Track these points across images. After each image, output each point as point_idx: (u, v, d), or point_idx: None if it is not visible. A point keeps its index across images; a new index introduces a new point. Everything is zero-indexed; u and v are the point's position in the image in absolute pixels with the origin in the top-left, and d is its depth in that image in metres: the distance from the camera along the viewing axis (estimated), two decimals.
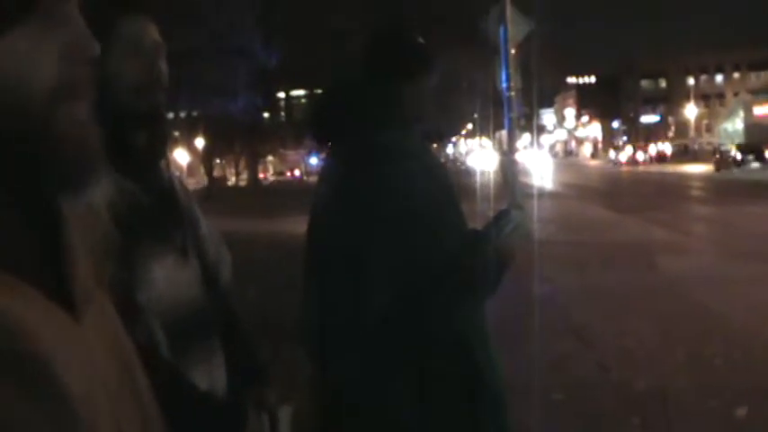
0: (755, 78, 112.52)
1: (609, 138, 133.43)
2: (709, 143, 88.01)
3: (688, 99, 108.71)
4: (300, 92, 51.55)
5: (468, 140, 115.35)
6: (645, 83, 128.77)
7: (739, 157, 53.37)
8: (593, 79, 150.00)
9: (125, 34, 1.75)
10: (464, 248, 2.20)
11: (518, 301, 8.31)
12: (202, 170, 58.38)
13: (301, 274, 2.33)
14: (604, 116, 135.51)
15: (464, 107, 48.14)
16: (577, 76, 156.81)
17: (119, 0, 1.79)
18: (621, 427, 5.38)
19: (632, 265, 12.40)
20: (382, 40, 2.39)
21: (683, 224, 18.89)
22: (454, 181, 2.50)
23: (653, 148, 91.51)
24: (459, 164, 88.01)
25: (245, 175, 67.23)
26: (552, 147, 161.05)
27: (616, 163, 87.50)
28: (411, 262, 2.10)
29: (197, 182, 60.18)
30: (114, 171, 1.67)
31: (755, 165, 51.47)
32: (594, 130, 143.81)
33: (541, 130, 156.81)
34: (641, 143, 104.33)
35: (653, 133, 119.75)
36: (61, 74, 0.71)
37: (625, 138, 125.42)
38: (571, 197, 33.50)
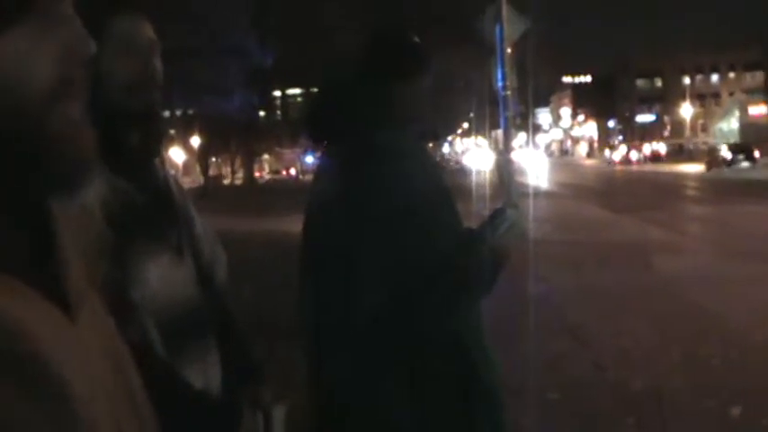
0: (751, 78, 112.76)
1: (605, 137, 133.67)
2: (704, 143, 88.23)
3: (684, 98, 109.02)
4: (296, 90, 51.59)
5: (464, 139, 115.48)
6: (641, 82, 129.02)
7: (729, 156, 54.13)
8: (588, 78, 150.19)
9: (119, 33, 1.75)
10: (459, 248, 2.20)
11: (513, 300, 8.31)
12: (198, 169, 58.34)
13: (297, 272, 2.33)
14: (600, 115, 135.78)
15: (460, 106, 48.23)
16: (573, 75, 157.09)
17: None
18: (617, 426, 5.38)
19: (628, 265, 12.41)
20: (378, 40, 2.39)
21: (677, 223, 18.92)
22: (449, 180, 2.50)
23: (647, 148, 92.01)
24: (453, 163, 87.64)
25: (240, 174, 67.27)
26: (548, 146, 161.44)
27: (610, 162, 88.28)
28: (403, 262, 2.10)
29: (192, 180, 60.18)
30: (108, 170, 1.66)
31: (745, 164, 52.34)
32: (590, 129, 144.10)
33: (537, 129, 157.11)
34: (636, 143, 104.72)
35: (648, 133, 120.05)
36: (58, 74, 0.71)
37: (621, 137, 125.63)
38: (566, 196, 33.57)
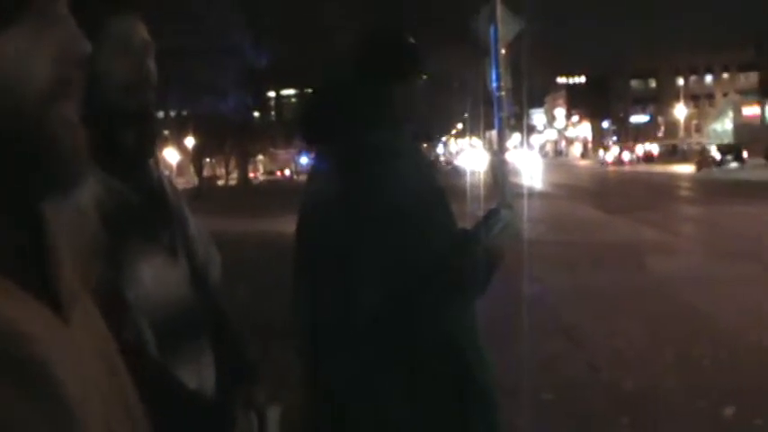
0: (745, 79, 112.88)
1: (599, 138, 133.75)
2: (698, 143, 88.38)
3: (678, 99, 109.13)
4: (291, 91, 51.50)
5: (459, 140, 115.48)
6: (635, 83, 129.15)
7: (719, 157, 55.13)
8: (583, 79, 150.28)
9: (114, 33, 1.75)
10: (453, 248, 2.20)
11: (508, 301, 8.31)
12: (192, 169, 58.27)
13: (291, 273, 2.33)
14: (594, 116, 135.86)
15: (454, 107, 48.23)
16: (567, 76, 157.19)
17: None
18: (611, 426, 5.39)
19: (621, 265, 12.43)
20: (373, 41, 2.39)
21: (668, 223, 18.96)
22: (444, 181, 2.50)
23: (640, 149, 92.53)
24: (444, 164, 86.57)
25: (234, 175, 67.14)
26: (542, 147, 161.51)
27: (603, 163, 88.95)
28: (401, 262, 2.10)
29: (187, 181, 60.09)
30: (103, 170, 1.66)
31: (734, 164, 53.38)
32: (584, 129, 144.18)
33: (531, 129, 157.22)
34: (628, 143, 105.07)
35: (643, 133, 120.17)
36: (54, 74, 0.71)
37: (615, 138, 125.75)
38: (560, 197, 33.63)
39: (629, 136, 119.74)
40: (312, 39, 28.73)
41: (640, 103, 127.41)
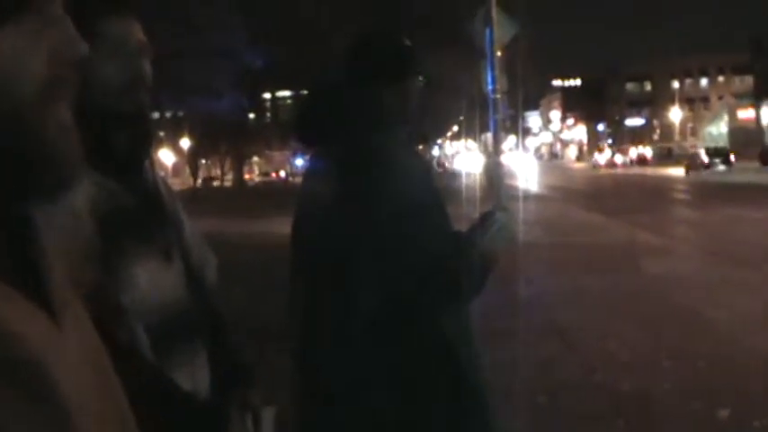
0: (740, 82, 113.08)
1: (594, 140, 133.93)
2: (692, 146, 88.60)
3: (673, 102, 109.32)
4: (286, 93, 51.48)
5: (454, 142, 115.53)
6: (630, 86, 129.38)
7: (707, 160, 56.72)
8: (578, 82, 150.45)
9: (110, 34, 1.75)
10: (449, 251, 2.21)
11: (502, 303, 8.32)
12: (188, 171, 58.24)
13: (287, 275, 2.33)
14: (590, 119, 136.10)
15: (450, 109, 48.20)
16: (563, 79, 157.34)
17: (103, 0, 1.78)
18: (606, 429, 5.39)
19: (615, 268, 12.44)
20: (369, 43, 2.40)
21: (660, 225, 19.01)
22: (440, 183, 2.50)
23: (633, 152, 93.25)
24: (437, 167, 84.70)
25: (230, 176, 67.14)
26: (537, 149, 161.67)
27: (595, 165, 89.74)
28: (398, 264, 2.10)
29: (182, 182, 60.05)
30: (97, 171, 1.66)
31: (722, 168, 54.85)
32: (580, 132, 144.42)
33: (527, 132, 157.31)
34: (621, 146, 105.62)
35: (638, 136, 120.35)
36: (50, 75, 0.71)
37: (610, 140, 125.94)
38: (555, 199, 33.73)
39: (625, 139, 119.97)
40: (308, 40, 28.70)
41: (635, 106, 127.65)
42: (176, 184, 46.68)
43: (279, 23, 30.17)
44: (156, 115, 31.02)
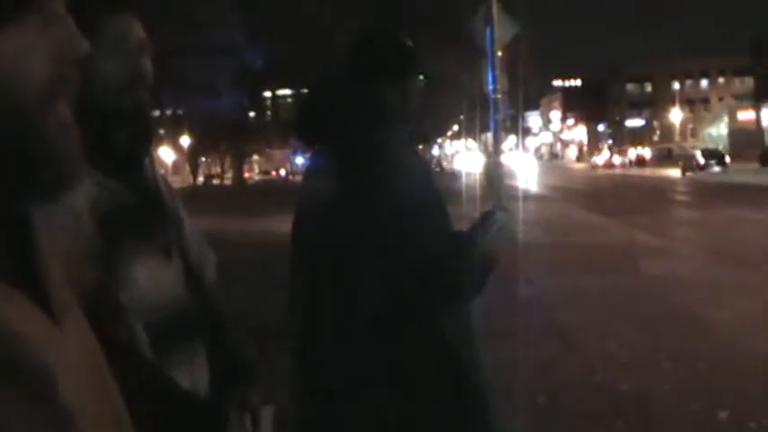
0: (740, 83, 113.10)
1: (594, 141, 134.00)
2: (693, 147, 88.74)
3: (673, 103, 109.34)
4: (287, 91, 51.48)
5: (454, 142, 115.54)
6: (630, 86, 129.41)
7: (703, 161, 57.56)
8: (578, 82, 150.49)
9: (110, 32, 1.75)
10: (450, 250, 2.20)
11: (502, 303, 8.32)
12: (188, 168, 58.26)
13: (287, 273, 2.33)
14: (590, 119, 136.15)
15: (450, 109, 48.25)
16: (563, 79, 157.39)
17: None
18: (605, 429, 5.39)
19: (614, 268, 12.44)
20: (370, 42, 2.39)
21: (656, 224, 19.03)
22: (439, 183, 2.50)
23: (632, 153, 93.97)
24: (435, 166, 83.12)
25: (230, 174, 67.17)
26: (537, 149, 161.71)
27: (594, 166, 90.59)
28: (400, 263, 2.10)
29: (182, 180, 60.07)
30: (98, 170, 1.66)
31: (717, 169, 55.74)
32: (580, 133, 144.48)
33: (527, 132, 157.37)
34: (620, 147, 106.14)
35: (638, 137, 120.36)
36: (52, 73, 0.70)
37: (610, 141, 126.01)
38: (555, 199, 33.78)
39: (625, 140, 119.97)
40: (309, 39, 28.71)
41: (636, 106, 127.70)
42: (176, 182, 46.70)
43: (280, 21, 30.18)
44: (156, 113, 31.04)
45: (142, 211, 1.81)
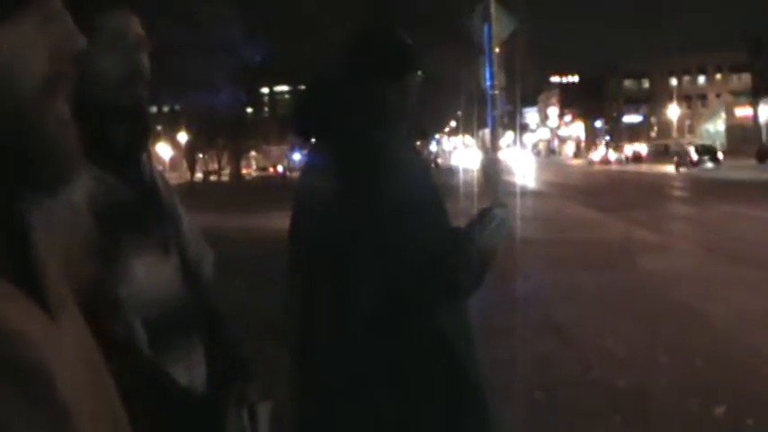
0: (737, 80, 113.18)
1: (592, 137, 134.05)
2: (689, 144, 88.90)
3: (671, 99, 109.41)
4: (284, 87, 51.45)
5: (452, 138, 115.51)
6: (628, 83, 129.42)
7: (696, 158, 58.26)
8: (576, 78, 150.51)
9: (108, 28, 1.74)
10: (448, 247, 2.20)
11: (499, 299, 8.33)
12: (185, 165, 58.22)
13: (285, 269, 2.33)
14: (587, 115, 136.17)
15: (448, 105, 48.26)
16: (561, 75, 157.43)
17: None
18: (602, 425, 5.40)
19: (612, 264, 12.45)
20: (370, 39, 2.39)
21: (655, 220, 19.06)
22: (437, 179, 2.50)
23: (628, 149, 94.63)
24: (432, 163, 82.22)
25: (227, 170, 67.12)
26: (535, 145, 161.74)
27: (590, 162, 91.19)
28: (398, 260, 2.10)
29: (179, 176, 60.03)
30: (95, 165, 1.66)
31: (710, 165, 56.46)
32: (577, 129, 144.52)
33: (524, 128, 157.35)
34: (616, 143, 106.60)
35: (635, 133, 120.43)
36: (50, 70, 0.70)
37: (608, 137, 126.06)
38: (552, 195, 33.84)
39: (623, 136, 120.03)
40: (306, 36, 28.69)
41: (633, 103, 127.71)
42: (174, 179, 46.67)
43: (278, 18, 30.16)
44: (153, 109, 31.01)
45: (140, 207, 1.81)
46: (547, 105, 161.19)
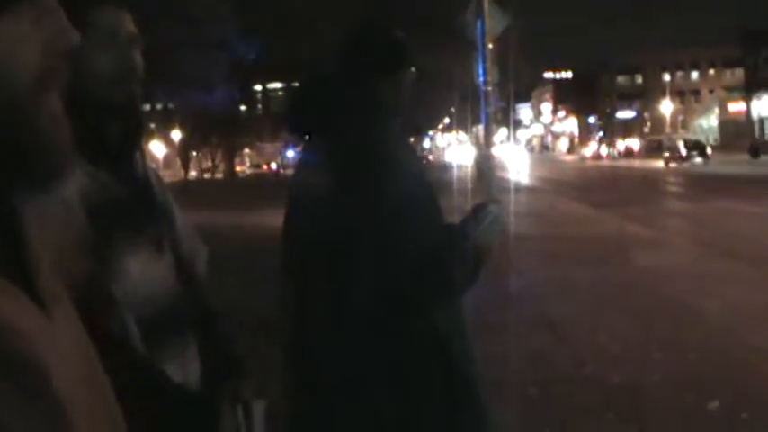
0: (730, 75, 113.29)
1: (585, 133, 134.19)
2: (687, 139, 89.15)
3: (664, 95, 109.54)
4: (278, 85, 51.42)
5: (446, 134, 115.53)
6: (621, 79, 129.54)
7: (685, 153, 59.46)
8: (569, 74, 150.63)
9: (101, 25, 1.74)
10: (442, 243, 2.21)
11: (493, 295, 8.33)
12: (179, 162, 58.14)
13: (278, 267, 2.33)
14: (581, 111, 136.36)
15: (441, 101, 48.26)
16: (554, 71, 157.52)
17: None
18: (596, 421, 5.41)
19: (605, 260, 12.47)
20: (364, 36, 2.39)
21: (648, 215, 19.08)
22: (431, 175, 2.50)
23: (621, 144, 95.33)
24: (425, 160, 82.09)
25: (221, 168, 67.06)
26: (529, 141, 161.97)
27: (582, 158, 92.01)
28: (394, 257, 2.10)
29: (173, 174, 59.94)
30: (89, 162, 1.65)
31: (698, 160, 57.53)
32: (571, 125, 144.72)
33: (518, 124, 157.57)
34: (610, 139, 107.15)
35: (629, 129, 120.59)
36: (43, 65, 0.70)
37: (601, 133, 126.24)
38: (545, 191, 33.91)
39: (616, 131, 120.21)
40: (300, 33, 28.67)
41: (627, 98, 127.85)
42: (167, 176, 46.54)
43: (272, 16, 30.13)
44: (147, 107, 30.91)
45: (133, 205, 1.81)
46: (540, 101, 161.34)
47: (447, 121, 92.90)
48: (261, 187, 38.06)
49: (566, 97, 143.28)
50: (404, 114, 2.42)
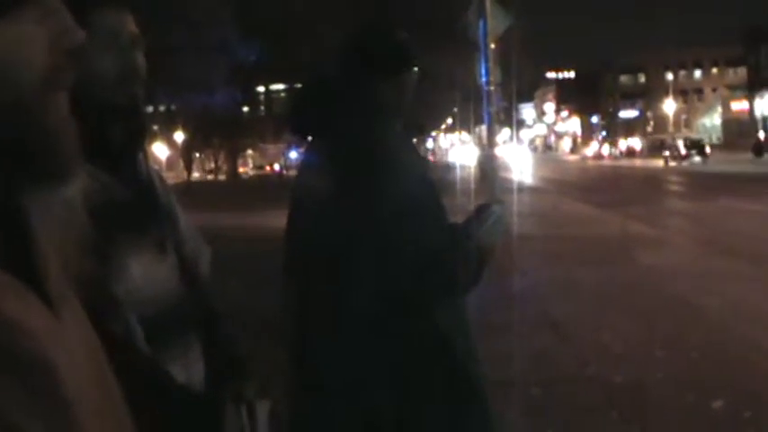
0: (733, 74, 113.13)
1: (588, 133, 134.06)
2: (686, 138, 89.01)
3: (667, 94, 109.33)
4: (280, 86, 51.42)
5: (449, 135, 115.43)
6: (624, 78, 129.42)
7: (684, 152, 59.93)
8: (572, 74, 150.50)
9: (103, 26, 1.74)
10: (446, 244, 2.21)
11: (496, 295, 8.33)
12: (182, 164, 58.16)
13: (281, 268, 2.33)
14: (584, 111, 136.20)
15: (444, 102, 48.21)
16: (557, 71, 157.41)
17: None
18: (600, 420, 5.40)
19: (608, 259, 12.46)
20: (366, 37, 2.39)
21: (651, 215, 19.07)
22: (434, 175, 2.51)
23: (623, 144, 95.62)
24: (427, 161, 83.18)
25: (224, 169, 67.06)
26: (531, 141, 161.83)
27: (584, 157, 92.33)
28: (397, 258, 2.10)
29: (176, 176, 59.96)
30: (91, 164, 1.66)
31: (697, 159, 57.98)
32: (574, 124, 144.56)
33: (521, 124, 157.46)
34: (613, 139, 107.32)
35: (632, 128, 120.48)
36: (49, 64, 0.71)
37: (604, 132, 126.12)
38: (549, 191, 33.88)
39: (619, 131, 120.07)
40: (300, 36, 28.65)
41: (629, 98, 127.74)
42: (170, 178, 46.62)
43: (275, 18, 30.12)
44: (149, 109, 30.96)
45: (136, 206, 1.81)
46: (543, 101, 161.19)
47: (450, 121, 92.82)
48: (264, 188, 38.07)
49: (569, 97, 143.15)
50: (407, 115, 2.42)
